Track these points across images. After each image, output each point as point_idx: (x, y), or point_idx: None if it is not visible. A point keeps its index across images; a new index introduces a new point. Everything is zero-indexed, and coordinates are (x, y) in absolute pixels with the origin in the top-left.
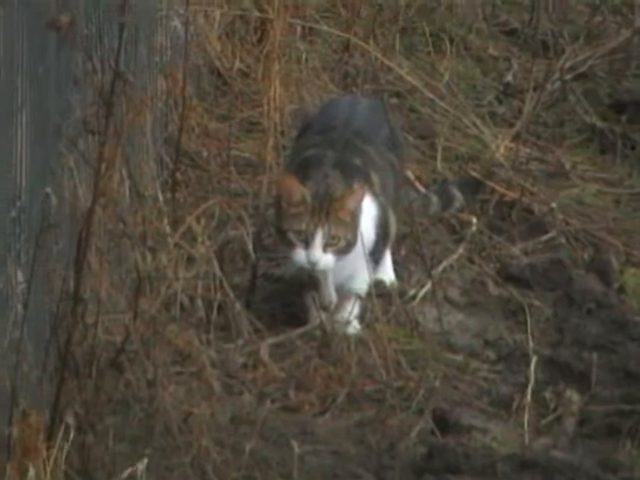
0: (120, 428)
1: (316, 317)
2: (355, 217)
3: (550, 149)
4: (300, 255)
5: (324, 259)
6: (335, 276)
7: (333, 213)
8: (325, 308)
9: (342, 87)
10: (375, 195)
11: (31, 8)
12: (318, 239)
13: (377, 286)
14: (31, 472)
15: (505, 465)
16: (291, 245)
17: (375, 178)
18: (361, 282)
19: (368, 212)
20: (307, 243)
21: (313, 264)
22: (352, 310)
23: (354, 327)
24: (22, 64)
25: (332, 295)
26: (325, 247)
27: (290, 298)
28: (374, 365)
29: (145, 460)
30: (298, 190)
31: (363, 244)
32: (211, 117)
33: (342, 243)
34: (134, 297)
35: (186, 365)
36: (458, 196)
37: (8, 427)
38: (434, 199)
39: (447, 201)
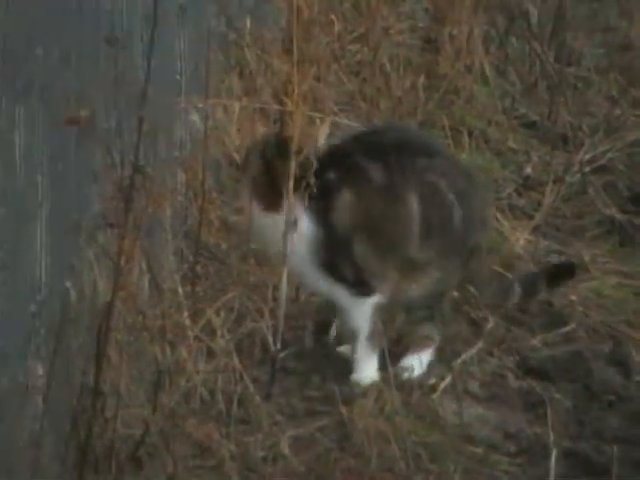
0: None
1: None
2: None
3: (569, 242)
4: None
5: None
6: None
7: None
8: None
9: None
10: None
11: (50, 104)
12: None
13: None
14: None
15: None
16: None
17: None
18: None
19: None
20: None
21: None
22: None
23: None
24: (42, 161)
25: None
26: None
27: (309, 392)
28: (394, 458)
29: None
30: None
31: None
32: (230, 210)
33: None
34: (153, 390)
35: (206, 458)
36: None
37: None
38: (516, 288)
39: (531, 290)
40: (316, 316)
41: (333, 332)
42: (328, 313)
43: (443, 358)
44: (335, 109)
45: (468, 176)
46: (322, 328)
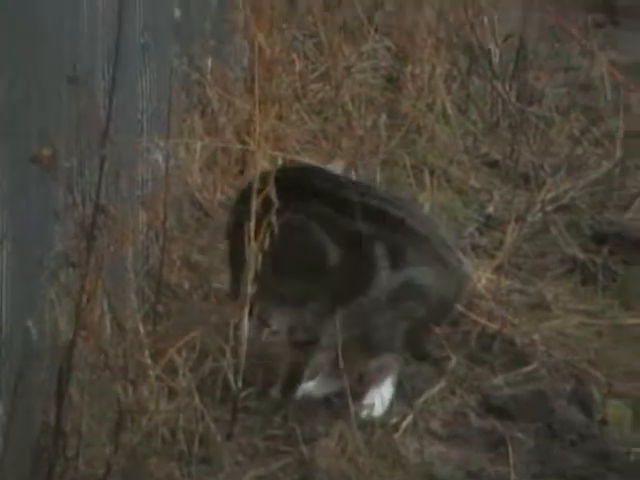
0: None
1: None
2: None
3: (532, 281)
4: None
5: None
6: None
7: None
8: None
9: None
10: None
11: (12, 142)
12: None
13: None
14: None
15: None
16: None
17: None
18: None
19: None
20: None
21: None
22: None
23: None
24: (3, 199)
25: None
26: None
27: (271, 431)
28: None
29: None
30: None
31: None
32: (192, 249)
33: None
34: (115, 430)
35: None
36: None
37: None
38: None
39: None
40: (286, 368)
41: (301, 391)
42: (298, 369)
43: (405, 397)
44: (297, 148)
45: (382, 219)
46: (289, 385)
